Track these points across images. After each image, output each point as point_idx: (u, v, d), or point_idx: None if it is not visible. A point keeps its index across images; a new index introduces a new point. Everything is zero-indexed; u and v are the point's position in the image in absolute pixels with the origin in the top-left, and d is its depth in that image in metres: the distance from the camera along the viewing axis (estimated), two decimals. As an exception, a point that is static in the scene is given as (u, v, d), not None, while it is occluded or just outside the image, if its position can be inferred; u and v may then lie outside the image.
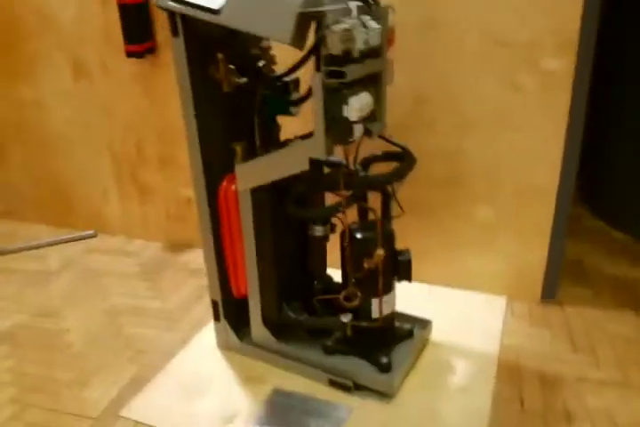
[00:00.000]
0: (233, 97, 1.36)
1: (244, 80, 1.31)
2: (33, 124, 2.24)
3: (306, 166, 1.25)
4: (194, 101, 1.32)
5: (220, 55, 1.30)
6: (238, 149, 1.40)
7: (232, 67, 1.31)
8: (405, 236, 1.52)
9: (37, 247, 2.24)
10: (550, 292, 1.79)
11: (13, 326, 1.79)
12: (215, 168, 1.42)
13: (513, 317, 1.73)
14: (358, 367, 1.45)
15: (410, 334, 1.56)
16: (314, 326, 1.51)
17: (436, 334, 1.62)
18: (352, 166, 1.31)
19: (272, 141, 1.50)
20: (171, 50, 1.82)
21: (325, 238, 1.50)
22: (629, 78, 2.09)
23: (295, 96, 1.40)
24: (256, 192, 1.36)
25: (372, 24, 1.18)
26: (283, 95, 1.39)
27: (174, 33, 1.27)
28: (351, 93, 1.16)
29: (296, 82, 1.41)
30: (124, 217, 2.27)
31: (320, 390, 1.43)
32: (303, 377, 1.48)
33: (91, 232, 2.31)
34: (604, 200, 2.33)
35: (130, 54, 1.86)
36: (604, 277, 1.92)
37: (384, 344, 1.49)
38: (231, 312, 1.57)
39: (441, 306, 1.76)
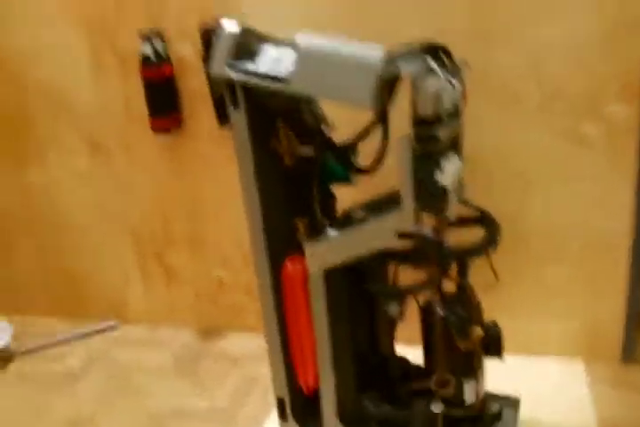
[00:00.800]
0: (293, 169, 1.25)
1: (310, 151, 1.20)
2: (44, 211, 2.09)
3: (392, 240, 1.12)
4: (256, 178, 1.20)
5: (281, 125, 1.20)
6: (301, 225, 1.27)
7: (294, 137, 1.21)
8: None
9: (54, 345, 2.03)
10: (629, 351, 1.65)
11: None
12: (276, 249, 1.28)
13: (598, 382, 1.58)
14: (457, 465, 1.27)
15: (499, 416, 1.39)
16: (400, 418, 1.33)
17: (523, 410, 1.44)
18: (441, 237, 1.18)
19: (330, 214, 1.38)
20: (198, 121, 1.78)
21: (401, 317, 1.35)
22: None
23: (354, 162, 1.29)
24: (330, 272, 1.21)
25: (455, 82, 1.09)
26: (343, 161, 1.29)
27: (234, 105, 1.16)
28: (444, 157, 1.05)
29: (355, 147, 1.31)
30: (148, 303, 2.09)
31: None
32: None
33: (111, 323, 2.11)
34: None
35: (156, 129, 1.76)
36: None
37: (479, 433, 1.32)
38: (299, 410, 1.39)
39: (516, 378, 1.59)
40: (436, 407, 1.24)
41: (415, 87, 1.01)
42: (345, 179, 1.30)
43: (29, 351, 2.01)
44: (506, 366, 1.62)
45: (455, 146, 1.16)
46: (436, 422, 1.26)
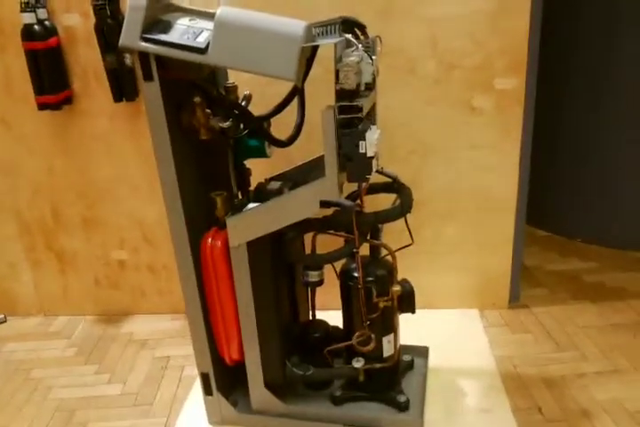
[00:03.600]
0: (206, 144, 1.24)
1: (227, 124, 1.19)
2: None
3: (315, 210, 1.15)
4: (173, 153, 1.17)
5: (197, 99, 1.17)
6: (219, 200, 1.27)
7: (209, 111, 1.19)
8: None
9: None
10: (515, 297, 1.90)
11: None
12: (195, 225, 1.26)
13: (492, 327, 1.78)
14: (375, 412, 1.37)
15: (411, 366, 1.50)
16: (325, 378, 1.39)
17: (430, 358, 1.58)
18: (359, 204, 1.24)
19: (246, 188, 1.39)
20: (90, 98, 1.68)
21: (320, 283, 1.40)
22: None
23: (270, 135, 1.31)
24: (254, 245, 1.23)
25: (372, 55, 1.13)
26: (260, 135, 1.29)
27: (147, 77, 1.12)
28: (365, 127, 1.09)
29: (268, 122, 1.33)
30: (40, 293, 1.96)
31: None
32: (322, 437, 1.35)
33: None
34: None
35: (42, 106, 1.63)
36: (551, 276, 2.07)
37: (394, 382, 1.42)
38: (223, 383, 1.40)
39: (420, 329, 1.71)
40: (358, 363, 1.32)
41: (339, 60, 1.04)
42: (261, 152, 1.31)
43: None
44: (412, 320, 1.78)
45: (372, 117, 1.21)
46: (357, 376, 1.34)
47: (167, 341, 1.80)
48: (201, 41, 1.07)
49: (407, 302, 1.34)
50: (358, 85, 1.08)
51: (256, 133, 1.29)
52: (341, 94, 1.06)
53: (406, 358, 1.49)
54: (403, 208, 1.23)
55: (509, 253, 1.79)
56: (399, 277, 1.33)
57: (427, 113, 1.64)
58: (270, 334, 1.32)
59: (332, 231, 1.26)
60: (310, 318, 1.49)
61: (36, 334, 1.90)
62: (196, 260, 1.27)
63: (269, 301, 1.29)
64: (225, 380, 1.40)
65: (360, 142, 1.08)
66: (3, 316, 1.97)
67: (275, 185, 1.32)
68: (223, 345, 1.35)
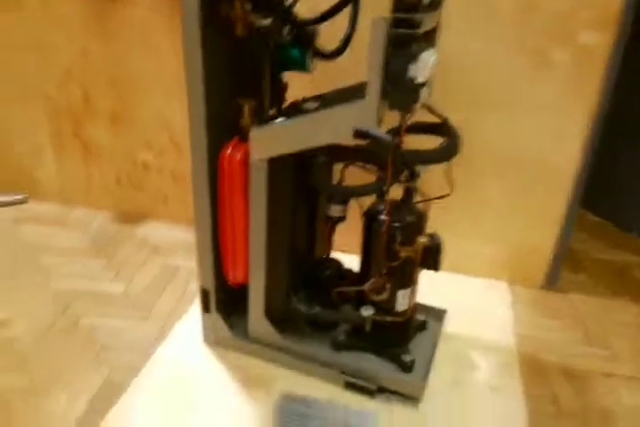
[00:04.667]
0: (242, 44, 1.09)
1: (267, 21, 1.04)
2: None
3: (347, 136, 1.02)
4: (202, 47, 1.04)
5: (236, -8, 1.02)
6: (247, 107, 1.14)
7: (249, 4, 1.04)
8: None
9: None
10: (553, 279, 1.70)
11: None
12: (217, 131, 1.15)
13: (520, 304, 1.62)
14: (377, 367, 1.27)
15: (423, 326, 1.40)
16: (329, 320, 1.31)
17: (446, 323, 1.47)
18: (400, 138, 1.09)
19: (278, 103, 1.25)
20: None
21: (342, 219, 1.29)
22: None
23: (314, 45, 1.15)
24: (276, 162, 1.11)
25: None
26: (302, 43, 1.14)
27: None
28: (421, 49, 0.93)
29: (315, 31, 1.16)
30: (63, 180, 1.92)
31: (336, 394, 1.25)
32: (313, 378, 1.29)
33: (20, 197, 1.94)
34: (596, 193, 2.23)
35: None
36: (596, 264, 1.85)
37: (402, 340, 1.32)
38: (223, 303, 1.34)
39: (442, 292, 1.60)
40: (366, 311, 1.23)
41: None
42: (301, 64, 1.16)
43: None
44: (435, 280, 1.67)
45: (431, 39, 1.04)
46: (363, 325, 1.26)
47: (180, 251, 1.75)
48: None
49: (432, 258, 1.21)
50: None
51: (298, 42, 1.14)
52: (399, 4, 0.90)
53: (420, 317, 1.38)
54: (448, 151, 1.08)
55: (556, 230, 1.59)
56: (429, 229, 1.21)
57: (492, 60, 1.42)
58: (279, 262, 1.24)
59: (362, 164, 1.13)
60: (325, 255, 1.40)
61: (52, 221, 1.87)
62: (213, 169, 1.17)
63: (283, 226, 1.20)
64: (226, 300, 1.34)
65: (410, 65, 0.92)
66: (24, 196, 1.95)
67: (311, 106, 1.17)
68: (229, 264, 1.28)
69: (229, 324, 1.35)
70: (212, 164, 1.16)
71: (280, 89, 1.25)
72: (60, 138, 1.83)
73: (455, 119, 1.48)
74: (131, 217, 1.90)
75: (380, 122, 0.99)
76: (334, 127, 1.02)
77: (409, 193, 1.15)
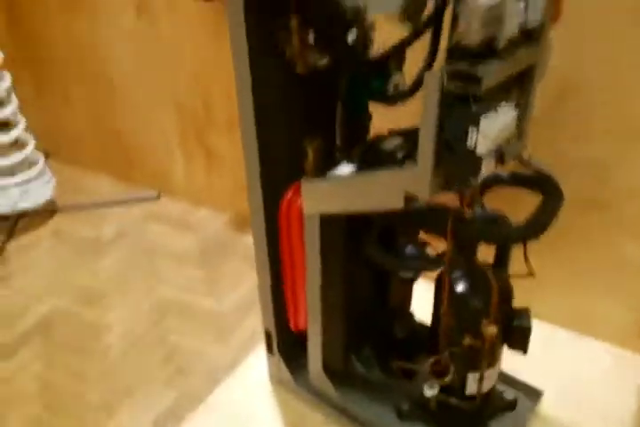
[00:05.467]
0: (309, 80, 0.96)
1: (324, 61, 0.89)
2: (95, 67, 1.93)
3: (399, 204, 0.84)
4: (253, 84, 0.93)
5: (294, 20, 0.88)
6: (310, 149, 1.01)
7: (310, 39, 0.89)
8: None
9: (96, 207, 2.01)
10: None
11: (52, 312, 1.58)
12: (279, 173, 1.04)
13: None
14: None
15: (512, 406, 1.18)
16: (388, 388, 1.16)
17: (546, 403, 1.21)
18: (467, 206, 0.88)
19: (358, 138, 1.09)
20: None
21: (414, 280, 1.12)
22: None
23: (397, 79, 0.96)
24: (326, 220, 0.97)
25: (536, -10, 0.71)
26: (380, 76, 0.96)
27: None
28: (484, 110, 0.71)
29: (400, 59, 0.97)
30: (189, 180, 1.97)
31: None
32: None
33: (153, 194, 2.04)
34: None
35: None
36: None
37: (475, 421, 1.12)
38: (288, 345, 1.25)
39: (556, 352, 1.35)
40: (430, 390, 1.05)
41: (460, -3, 0.65)
42: (383, 97, 0.98)
43: (71, 208, 2.01)
44: (546, 335, 1.40)
45: (522, 86, 0.80)
46: (427, 404, 1.08)
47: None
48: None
49: (518, 340, 1.00)
50: (492, 41, 0.68)
51: (381, 69, 0.96)
52: (457, 52, 0.69)
53: (509, 395, 1.16)
54: (535, 227, 0.84)
55: None
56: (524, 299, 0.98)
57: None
58: (335, 317, 1.11)
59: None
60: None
61: (176, 220, 1.94)
62: (274, 209, 1.07)
63: (337, 282, 1.06)
64: (290, 343, 1.25)
65: (470, 129, 0.71)
66: (157, 193, 2.04)
67: (392, 143, 1.00)
68: (291, 309, 1.19)
69: (293, 368, 1.26)
70: (273, 203, 1.06)
71: (360, 123, 1.09)
72: (187, 143, 1.87)
73: (590, 154, 1.20)
74: (245, 220, 1.89)
75: (434, 192, 0.79)
76: (383, 192, 0.85)
77: (481, 272, 0.93)
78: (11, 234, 1.88)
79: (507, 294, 0.97)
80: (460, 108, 0.71)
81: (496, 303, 0.90)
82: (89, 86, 2.00)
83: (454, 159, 0.75)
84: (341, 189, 0.92)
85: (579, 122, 1.18)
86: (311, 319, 1.13)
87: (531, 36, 0.75)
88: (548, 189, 0.91)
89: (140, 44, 1.76)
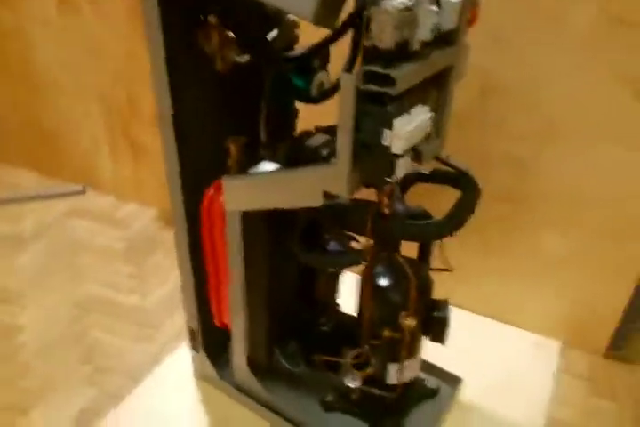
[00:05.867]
0: (231, 77, 0.95)
1: (244, 58, 0.89)
2: (18, 59, 1.84)
3: (318, 201, 0.85)
4: (170, 81, 0.91)
5: (212, 19, 0.88)
6: (233, 147, 1.01)
7: (230, 36, 0.89)
8: (446, 249, 1.14)
9: (17, 200, 1.92)
10: (619, 345, 1.40)
11: (-34, 313, 1.51)
12: (199, 170, 1.03)
13: (568, 374, 1.36)
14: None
15: (433, 394, 1.22)
16: (312, 383, 1.18)
17: (468, 388, 1.27)
18: (385, 204, 0.90)
19: (283, 135, 1.10)
20: None
21: (339, 273, 1.14)
22: None
23: (320, 78, 0.97)
24: (248, 217, 0.98)
25: (447, -5, 0.73)
26: (303, 75, 0.97)
27: (145, -21, 0.84)
28: (399, 111, 0.73)
29: (324, 58, 0.98)
30: (116, 174, 1.92)
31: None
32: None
33: (79, 188, 1.97)
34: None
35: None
36: None
37: (397, 411, 1.16)
38: (212, 341, 1.25)
39: (478, 340, 1.40)
40: (352, 381, 1.08)
41: (374, 0, 0.67)
42: (307, 97, 0.99)
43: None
44: (470, 324, 1.45)
45: (439, 87, 0.83)
46: (349, 394, 1.11)
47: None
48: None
49: (436, 332, 1.03)
50: (406, 43, 0.70)
51: (303, 68, 0.97)
52: (371, 54, 0.70)
53: (430, 383, 1.20)
54: (450, 223, 0.88)
55: (630, 288, 1.30)
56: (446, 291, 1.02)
57: (563, 83, 1.14)
58: (258, 310, 1.11)
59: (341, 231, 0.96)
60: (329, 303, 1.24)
61: (102, 215, 1.89)
62: (196, 206, 1.06)
63: (262, 278, 1.07)
64: (215, 339, 1.25)
65: (384, 131, 0.73)
66: (82, 187, 1.98)
67: (318, 140, 1.00)
68: (214, 304, 1.18)
69: (217, 364, 1.26)
70: (195, 201, 1.05)
71: (284, 120, 1.10)
72: (113, 135, 1.82)
73: (512, 152, 1.26)
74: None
75: (353, 190, 0.81)
76: (303, 190, 0.86)
77: (399, 266, 0.96)
78: None
79: (426, 287, 1.00)
80: (374, 108, 0.73)
81: (414, 297, 0.93)
82: (12, 78, 1.91)
83: (370, 158, 0.76)
84: (262, 186, 0.92)
85: (499, 121, 1.23)
86: (234, 315, 1.13)
87: (445, 39, 0.78)
88: (465, 185, 0.95)
89: (63, 35, 1.70)
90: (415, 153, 0.83)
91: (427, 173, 0.99)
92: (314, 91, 0.97)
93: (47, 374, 1.33)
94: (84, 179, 1.98)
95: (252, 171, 0.96)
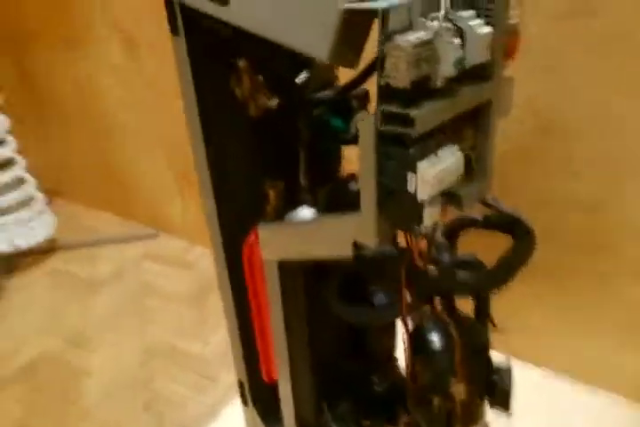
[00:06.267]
0: (266, 122, 0.92)
1: (274, 102, 0.86)
2: (93, 103, 1.95)
3: (348, 252, 0.78)
4: (203, 129, 0.91)
5: (242, 62, 0.86)
6: (271, 192, 0.97)
7: (260, 80, 0.86)
8: (516, 301, 1.02)
9: (93, 244, 2.00)
10: None
11: (41, 356, 1.55)
12: (240, 217, 1.00)
13: None
14: None
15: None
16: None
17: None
18: (419, 254, 0.81)
19: (326, 179, 1.04)
20: None
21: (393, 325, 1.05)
22: None
23: (362, 117, 0.92)
24: (285, 267, 0.92)
25: (475, 27, 0.66)
26: (340, 117, 0.92)
27: (173, 30, 0.84)
28: (423, 153, 0.66)
29: (363, 97, 0.93)
30: (185, 217, 1.96)
31: None
32: None
33: (152, 232, 2.02)
34: None
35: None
36: None
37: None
38: (262, 397, 1.19)
39: (561, 407, 1.25)
40: (404, 447, 0.97)
41: (388, 35, 0.61)
42: (345, 139, 0.94)
43: (70, 247, 2.01)
44: (546, 384, 1.30)
45: (477, 125, 0.75)
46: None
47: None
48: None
49: (499, 395, 0.91)
50: (426, 80, 0.64)
51: (341, 109, 0.92)
52: (387, 93, 0.64)
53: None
54: (495, 276, 0.78)
55: None
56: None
57: (630, 112, 1.02)
58: (302, 367, 1.04)
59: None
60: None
61: (173, 258, 1.91)
62: (238, 257, 1.02)
63: (301, 330, 1.00)
64: (265, 394, 1.19)
65: (408, 175, 0.66)
66: (155, 231, 2.02)
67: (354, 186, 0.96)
68: (262, 358, 1.13)
69: (268, 422, 1.20)
70: (236, 249, 1.02)
71: (327, 162, 1.05)
72: (180, 180, 1.86)
73: (587, 196, 1.13)
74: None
75: (382, 240, 0.74)
76: (332, 239, 0.80)
77: (445, 327, 0.86)
78: (9, 272, 1.88)
79: (479, 348, 0.89)
80: (396, 151, 0.66)
81: (460, 360, 0.82)
82: (88, 126, 2.02)
83: (397, 205, 0.69)
84: (294, 234, 0.87)
85: (564, 156, 1.11)
86: (280, 370, 1.07)
87: (478, 74, 0.71)
88: (517, 232, 0.84)
89: (128, 78, 1.78)
90: (453, 198, 0.76)
91: (479, 218, 0.90)
92: (354, 132, 0.92)
93: (110, 420, 1.32)
94: (155, 220, 2.04)
95: (287, 217, 0.92)
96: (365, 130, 0.67)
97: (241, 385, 1.19)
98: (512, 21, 0.76)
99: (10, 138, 1.82)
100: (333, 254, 0.83)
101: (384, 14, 0.59)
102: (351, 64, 0.72)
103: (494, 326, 0.82)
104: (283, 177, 0.97)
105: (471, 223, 0.91)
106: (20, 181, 1.87)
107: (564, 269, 1.20)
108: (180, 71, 0.87)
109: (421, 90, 0.64)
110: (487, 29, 0.67)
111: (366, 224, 0.73)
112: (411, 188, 0.67)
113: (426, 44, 0.60)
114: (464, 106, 0.71)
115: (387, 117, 0.65)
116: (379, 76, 0.64)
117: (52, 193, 2.30)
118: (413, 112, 0.63)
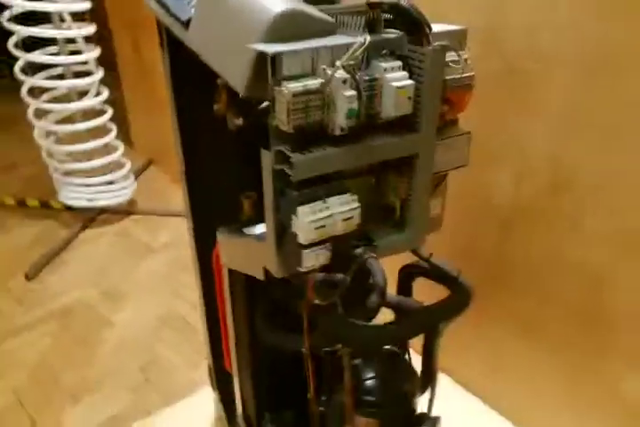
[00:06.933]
0: (243, 135, 0.96)
1: (239, 122, 0.89)
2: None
3: (260, 276, 0.81)
4: (182, 136, 0.96)
5: (220, 81, 0.90)
6: (246, 203, 1.01)
7: (231, 99, 0.90)
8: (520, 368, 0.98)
9: (163, 215, 2.17)
10: None
11: (78, 302, 1.74)
12: (214, 221, 1.05)
13: None
14: None
15: None
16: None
17: None
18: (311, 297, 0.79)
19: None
20: None
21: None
22: None
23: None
24: (234, 273, 0.97)
25: (391, 79, 0.64)
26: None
27: (160, 44, 0.90)
28: (311, 198, 0.67)
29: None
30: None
31: None
32: None
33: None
34: None
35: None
36: None
37: None
38: (225, 382, 1.25)
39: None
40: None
41: (279, 80, 0.63)
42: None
43: (144, 213, 2.19)
44: None
45: (402, 176, 0.74)
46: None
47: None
48: (187, 12, 0.78)
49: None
50: (321, 127, 0.64)
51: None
52: (277, 134, 0.65)
53: None
54: (409, 329, 0.76)
55: None
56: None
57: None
58: (247, 374, 1.09)
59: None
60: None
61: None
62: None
63: (245, 335, 1.04)
64: (228, 380, 1.25)
65: (292, 217, 0.67)
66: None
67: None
68: (224, 349, 1.19)
69: (228, 408, 1.26)
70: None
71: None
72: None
73: (594, 263, 1.03)
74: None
75: (285, 271, 0.75)
76: (252, 260, 0.83)
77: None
78: (84, 226, 2.10)
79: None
80: (284, 191, 0.68)
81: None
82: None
83: (284, 245, 0.71)
84: (235, 245, 0.91)
85: (575, 217, 1.02)
86: (232, 364, 1.13)
87: (399, 126, 0.69)
88: (454, 288, 0.82)
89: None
90: (370, 245, 0.75)
91: (426, 267, 0.88)
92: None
93: (106, 372, 1.47)
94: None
95: (245, 230, 0.96)
96: (265, 166, 0.69)
97: (209, 369, 1.26)
98: (464, 74, 0.73)
99: (108, 108, 2.03)
100: (254, 274, 0.86)
101: (275, 58, 0.61)
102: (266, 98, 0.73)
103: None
104: (257, 189, 1.01)
105: (420, 271, 0.89)
106: (111, 148, 2.08)
107: (558, 337, 1.11)
108: (167, 86, 0.93)
109: (315, 136, 0.65)
110: (406, 82, 0.66)
111: (269, 253, 0.75)
112: (293, 229, 0.68)
113: (308, 93, 0.61)
114: (376, 157, 0.70)
115: (277, 157, 0.66)
116: (271, 118, 0.66)
117: (148, 162, 2.53)
118: (296, 157, 0.64)
